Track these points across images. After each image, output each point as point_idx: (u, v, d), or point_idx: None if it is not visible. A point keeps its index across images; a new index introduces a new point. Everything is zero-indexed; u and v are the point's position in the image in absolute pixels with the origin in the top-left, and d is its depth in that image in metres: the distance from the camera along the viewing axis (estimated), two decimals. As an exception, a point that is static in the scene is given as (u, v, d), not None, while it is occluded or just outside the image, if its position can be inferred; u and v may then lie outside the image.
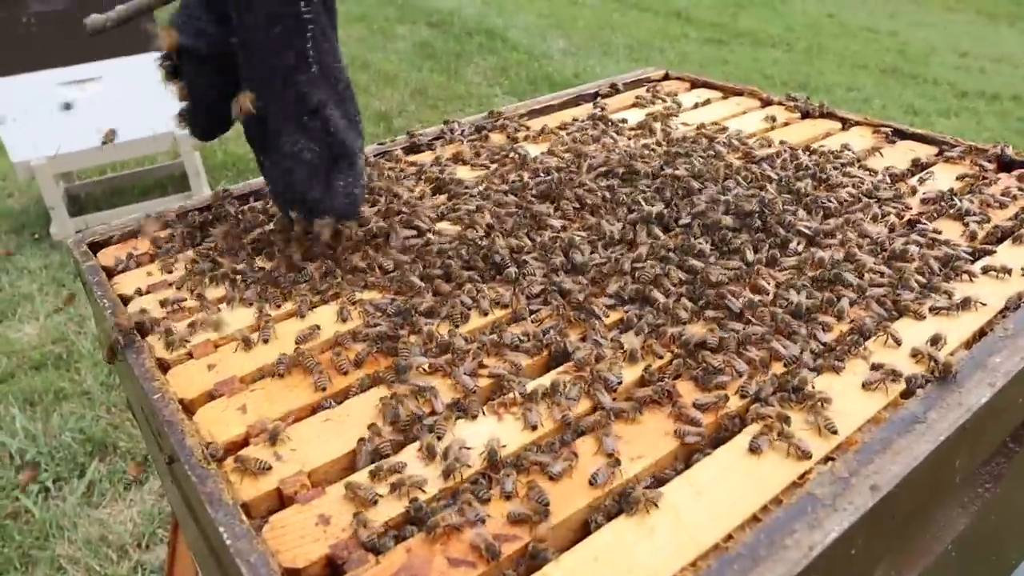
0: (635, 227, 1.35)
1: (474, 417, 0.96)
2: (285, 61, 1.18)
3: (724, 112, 1.90)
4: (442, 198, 1.51)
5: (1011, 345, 1.04)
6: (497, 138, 1.79)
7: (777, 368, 1.02)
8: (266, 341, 1.11)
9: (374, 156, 1.69)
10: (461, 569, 0.76)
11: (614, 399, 0.98)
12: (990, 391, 0.96)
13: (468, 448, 0.90)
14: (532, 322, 1.14)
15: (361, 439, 0.92)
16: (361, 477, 0.87)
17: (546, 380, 1.01)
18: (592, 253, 1.28)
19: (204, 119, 1.32)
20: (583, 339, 1.09)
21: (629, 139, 1.74)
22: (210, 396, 1.02)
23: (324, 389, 1.01)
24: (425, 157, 1.70)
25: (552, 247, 1.29)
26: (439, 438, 0.92)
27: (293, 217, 1.29)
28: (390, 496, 0.84)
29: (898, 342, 1.06)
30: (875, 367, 1.01)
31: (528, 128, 1.81)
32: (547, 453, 0.90)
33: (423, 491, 0.85)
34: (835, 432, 0.91)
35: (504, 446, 0.91)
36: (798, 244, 1.29)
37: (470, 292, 1.19)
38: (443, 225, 1.40)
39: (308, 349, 1.08)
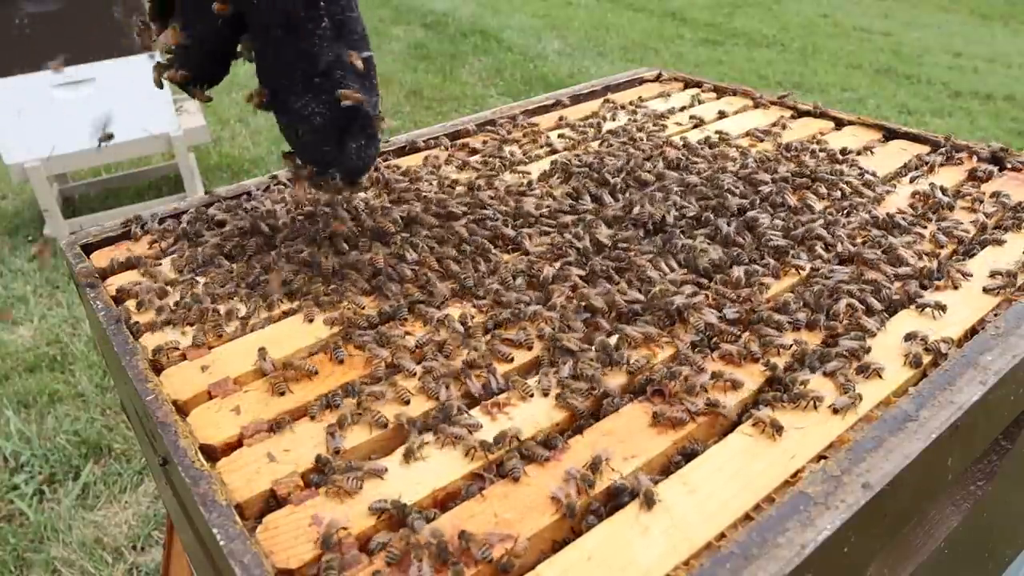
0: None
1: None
2: (294, 7, 1.07)
3: (715, 112, 1.91)
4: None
5: (1003, 343, 1.05)
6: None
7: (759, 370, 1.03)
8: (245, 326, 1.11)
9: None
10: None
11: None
12: (982, 389, 0.96)
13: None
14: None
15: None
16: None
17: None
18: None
19: (199, 59, 1.20)
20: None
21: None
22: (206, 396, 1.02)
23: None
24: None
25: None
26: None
27: (307, 173, 1.23)
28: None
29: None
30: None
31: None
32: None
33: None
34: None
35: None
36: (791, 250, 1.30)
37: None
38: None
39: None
